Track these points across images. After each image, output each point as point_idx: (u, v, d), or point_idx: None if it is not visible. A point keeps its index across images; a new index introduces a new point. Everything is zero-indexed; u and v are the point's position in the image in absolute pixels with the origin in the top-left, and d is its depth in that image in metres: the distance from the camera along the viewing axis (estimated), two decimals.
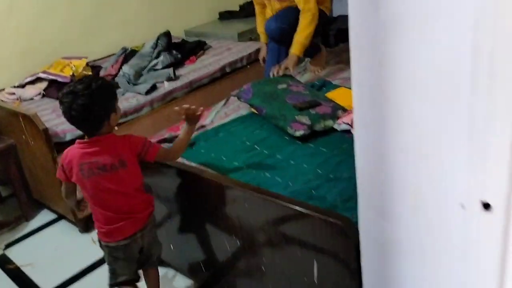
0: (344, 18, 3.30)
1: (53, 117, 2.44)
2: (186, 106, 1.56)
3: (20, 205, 2.56)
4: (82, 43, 3.45)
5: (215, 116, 2.18)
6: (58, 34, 3.29)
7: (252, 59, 3.25)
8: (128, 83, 2.74)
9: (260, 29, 2.83)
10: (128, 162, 1.44)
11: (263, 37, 2.82)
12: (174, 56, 3.03)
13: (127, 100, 2.59)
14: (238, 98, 2.14)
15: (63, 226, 2.52)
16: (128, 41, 3.70)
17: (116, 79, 2.80)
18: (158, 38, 3.09)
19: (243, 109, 2.19)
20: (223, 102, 2.33)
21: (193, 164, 1.71)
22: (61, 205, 2.38)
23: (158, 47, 3.03)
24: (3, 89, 2.92)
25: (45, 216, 2.62)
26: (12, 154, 2.46)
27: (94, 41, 3.53)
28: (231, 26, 4.00)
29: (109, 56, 3.55)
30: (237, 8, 4.39)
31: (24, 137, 2.33)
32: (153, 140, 1.73)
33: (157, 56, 2.99)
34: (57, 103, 2.65)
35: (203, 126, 2.07)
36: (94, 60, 3.45)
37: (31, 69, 3.08)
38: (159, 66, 2.93)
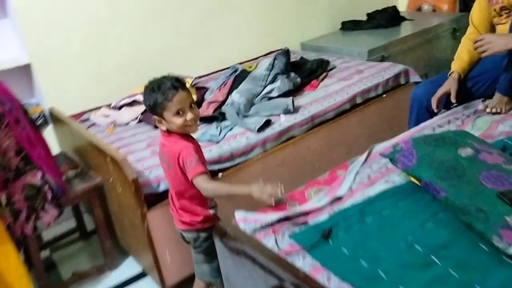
0: None
1: (147, 155, 2.00)
2: (270, 192, 1.35)
3: (103, 252, 2.17)
4: (187, 56, 3.03)
5: (354, 180, 1.56)
6: (162, 45, 2.89)
7: (390, 86, 2.57)
8: (238, 114, 2.22)
9: (463, 54, 2.12)
10: (173, 166, 1.47)
11: (458, 65, 2.09)
12: (292, 80, 2.46)
13: (235, 138, 2.08)
14: (392, 162, 1.50)
15: (149, 285, 2.08)
16: (238, 55, 3.23)
17: (224, 107, 2.30)
18: (275, 58, 2.54)
19: (395, 173, 1.55)
20: (362, 157, 1.70)
21: (332, 277, 1.12)
22: (147, 259, 1.94)
23: (274, 68, 2.48)
24: (100, 108, 2.58)
25: (130, 267, 2.21)
26: (98, 194, 2.06)
27: (200, 53, 3.09)
28: (358, 40, 3.33)
29: (216, 72, 3.10)
30: (363, 17, 3.72)
31: (111, 180, 1.91)
32: None
33: (273, 80, 2.44)
34: (153, 133, 2.28)
35: (339, 199, 1.47)
36: (200, 77, 3.01)
37: (131, 84, 2.71)
38: (274, 94, 2.38)
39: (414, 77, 2.67)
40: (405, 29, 3.46)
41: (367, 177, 1.57)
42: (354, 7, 3.80)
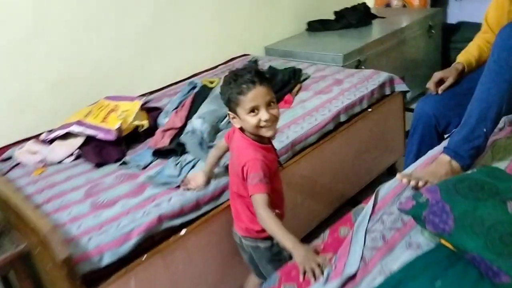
0: None
1: (85, 211, 1.53)
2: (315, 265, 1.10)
3: None
4: (135, 69, 2.56)
5: (365, 245, 1.18)
6: (103, 58, 2.41)
7: (375, 98, 2.22)
8: (201, 145, 1.79)
9: (472, 48, 1.85)
10: (237, 168, 1.32)
11: (464, 57, 1.82)
12: None
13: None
14: (418, 221, 1.13)
15: None
16: (194, 64, 2.80)
17: (183, 137, 1.86)
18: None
19: (416, 229, 1.18)
20: (368, 207, 1.32)
21: None
22: None
23: None
24: (27, 140, 2.07)
25: None
26: (24, 263, 1.57)
27: (150, 65, 2.63)
28: (329, 43, 2.97)
29: (171, 85, 2.64)
30: (331, 16, 3.36)
31: (37, 251, 1.44)
32: None
33: None
34: (93, 174, 1.80)
35: (351, 278, 1.08)
36: (150, 92, 2.56)
37: (66, 109, 2.22)
38: None
39: (400, 86, 2.33)
40: (378, 28, 3.14)
41: (381, 238, 1.19)
42: (320, 5, 3.44)
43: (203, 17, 2.82)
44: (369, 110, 2.18)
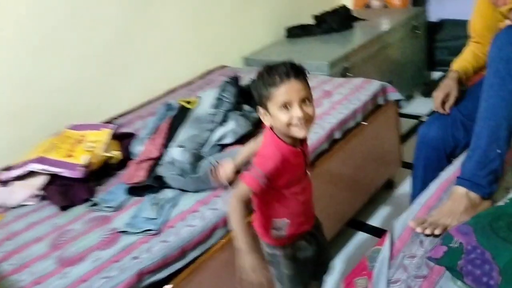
0: None
1: (50, 268, 1.30)
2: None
3: None
4: (101, 89, 2.33)
5: None
6: (65, 79, 2.17)
7: (368, 110, 2.04)
8: (182, 176, 1.57)
9: (466, 54, 1.70)
10: None
11: (458, 64, 1.68)
12: (249, 117, 1.85)
13: (184, 219, 1.43)
14: (454, 273, 0.94)
15: None
16: (167, 79, 2.60)
17: (161, 169, 1.63)
18: (222, 89, 1.91)
19: (446, 277, 1.00)
20: (385, 250, 1.13)
21: None
22: None
23: (222, 103, 1.86)
24: None
25: None
26: None
27: (118, 84, 2.40)
28: (311, 50, 2.78)
29: (143, 106, 2.42)
30: (310, 20, 3.18)
31: None
32: None
33: (223, 120, 1.82)
34: (60, 219, 1.56)
35: None
36: (121, 115, 2.32)
37: (23, 142, 1.96)
38: (229, 139, 1.75)
39: (393, 95, 2.16)
40: (362, 32, 2.97)
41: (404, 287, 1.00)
42: (297, 10, 3.25)
43: (174, 28, 2.59)
44: (364, 123, 2.00)
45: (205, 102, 1.89)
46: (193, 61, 2.72)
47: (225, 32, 2.86)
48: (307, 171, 1.23)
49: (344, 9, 3.14)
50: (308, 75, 1.13)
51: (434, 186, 1.35)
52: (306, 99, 1.11)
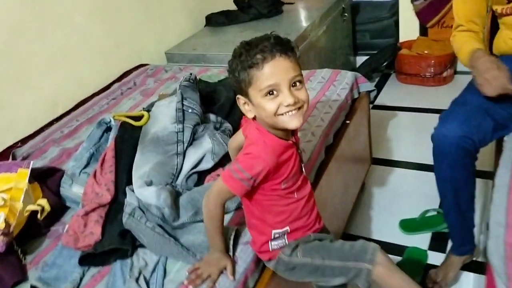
0: None
1: None
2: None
3: None
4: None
5: None
6: None
7: (349, 105, 1.75)
8: (165, 231, 1.10)
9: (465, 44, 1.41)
10: None
11: (471, 46, 1.36)
12: (226, 132, 1.42)
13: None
14: None
15: None
16: (78, 88, 2.02)
17: (127, 221, 1.13)
18: (182, 96, 1.43)
19: None
20: None
21: None
22: None
23: (187, 116, 1.39)
24: None
25: None
26: None
27: (11, 102, 1.76)
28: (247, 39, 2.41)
29: (49, 126, 1.82)
30: (231, 6, 2.80)
31: None
32: None
33: (193, 139, 1.36)
34: None
35: None
36: (22, 140, 1.71)
37: None
38: (207, 164, 1.30)
39: (365, 85, 1.90)
40: (294, 17, 2.68)
41: None
42: None
43: (80, 23, 2.00)
44: (347, 122, 1.71)
45: (162, 116, 1.41)
46: (106, 62, 2.16)
47: (142, 25, 2.33)
48: (303, 167, 1.04)
49: None
50: (297, 51, 0.93)
51: (502, 198, 1.10)
52: (297, 81, 0.91)
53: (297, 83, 0.92)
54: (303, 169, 1.05)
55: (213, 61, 2.27)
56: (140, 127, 1.41)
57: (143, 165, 1.27)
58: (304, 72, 1.87)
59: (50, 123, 1.85)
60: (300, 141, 1.09)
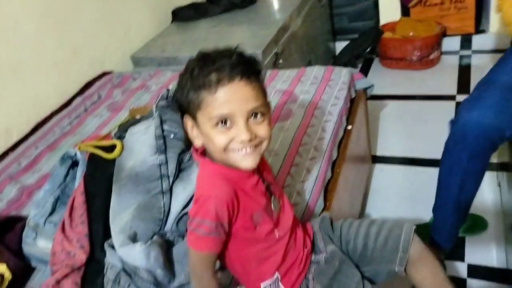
0: None
1: None
2: None
3: None
4: None
5: None
6: None
7: (348, 108, 1.55)
8: None
9: None
10: None
11: None
12: None
13: None
14: None
15: None
16: (33, 107, 1.74)
17: (112, 285, 0.91)
18: (160, 118, 1.19)
19: None
20: None
21: None
22: None
23: (170, 142, 1.16)
24: None
25: None
26: None
27: None
28: (223, 36, 2.17)
29: (16, 146, 1.59)
30: None
31: None
32: None
33: (179, 169, 1.13)
34: None
35: None
36: None
37: None
38: None
39: (362, 82, 1.70)
40: (270, 7, 2.45)
41: None
42: None
43: (28, 33, 1.71)
44: (349, 128, 1.51)
45: (139, 146, 1.17)
46: (64, 73, 1.88)
47: (101, 27, 2.05)
48: (277, 198, 0.88)
49: None
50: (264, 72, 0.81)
51: None
52: (258, 112, 0.77)
53: (258, 115, 0.77)
54: (277, 198, 0.88)
55: (185, 63, 2.02)
56: (113, 160, 1.17)
57: (121, 211, 1.04)
58: (292, 72, 1.70)
59: (4, 154, 1.58)
60: (269, 168, 0.91)
